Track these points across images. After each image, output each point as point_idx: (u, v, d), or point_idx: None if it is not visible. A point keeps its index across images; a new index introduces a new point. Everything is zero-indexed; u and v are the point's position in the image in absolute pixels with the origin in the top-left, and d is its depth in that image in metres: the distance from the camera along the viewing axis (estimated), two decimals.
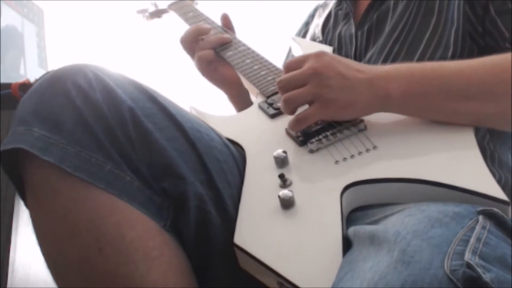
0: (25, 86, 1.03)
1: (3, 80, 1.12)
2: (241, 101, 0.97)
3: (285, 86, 0.67)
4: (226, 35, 0.94)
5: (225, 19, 1.00)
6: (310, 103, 0.65)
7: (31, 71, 1.45)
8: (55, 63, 1.59)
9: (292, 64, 0.68)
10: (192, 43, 0.94)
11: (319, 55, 0.66)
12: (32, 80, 1.07)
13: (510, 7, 0.73)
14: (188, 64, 0.97)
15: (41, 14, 1.59)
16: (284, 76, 0.67)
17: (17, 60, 1.43)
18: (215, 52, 0.93)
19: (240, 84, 0.93)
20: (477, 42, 0.76)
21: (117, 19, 1.78)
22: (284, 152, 0.65)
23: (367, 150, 0.64)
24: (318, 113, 0.65)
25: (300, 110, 0.67)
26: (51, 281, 0.58)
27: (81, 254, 0.54)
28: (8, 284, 0.91)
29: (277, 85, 0.68)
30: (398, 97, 0.64)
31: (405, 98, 0.64)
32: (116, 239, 0.54)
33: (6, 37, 1.37)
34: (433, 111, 0.64)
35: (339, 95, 0.63)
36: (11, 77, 1.31)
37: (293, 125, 0.67)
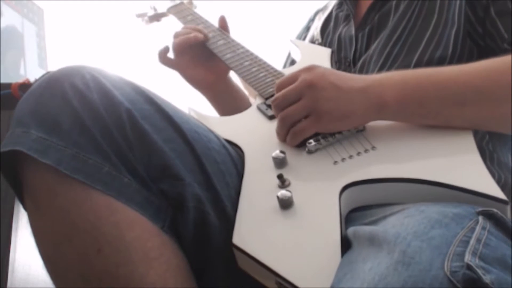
0: (25, 86, 1.03)
1: (3, 80, 1.12)
2: (218, 103, 0.98)
3: (280, 104, 0.66)
4: (193, 34, 0.93)
5: (222, 21, 1.00)
6: (306, 116, 0.65)
7: (31, 71, 1.45)
8: (55, 63, 1.59)
9: (284, 82, 0.67)
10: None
11: (310, 68, 0.66)
12: (32, 80, 1.07)
13: (511, 8, 0.72)
14: None
15: (41, 14, 1.59)
16: (277, 94, 0.67)
17: (17, 60, 1.43)
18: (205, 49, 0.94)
19: (214, 88, 0.95)
20: (477, 43, 0.76)
21: (116, 19, 1.78)
22: (283, 152, 0.65)
23: (366, 151, 0.64)
24: (314, 126, 0.65)
25: None
26: (51, 281, 0.58)
27: (80, 255, 0.54)
28: (8, 284, 0.91)
29: (271, 103, 0.68)
30: (394, 104, 0.63)
31: (401, 105, 0.63)
32: (115, 240, 0.54)
33: (6, 37, 1.37)
34: (429, 118, 0.64)
35: (334, 107, 0.63)
36: (11, 77, 1.31)
37: (290, 139, 0.67)
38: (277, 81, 0.70)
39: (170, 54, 0.94)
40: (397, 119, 0.66)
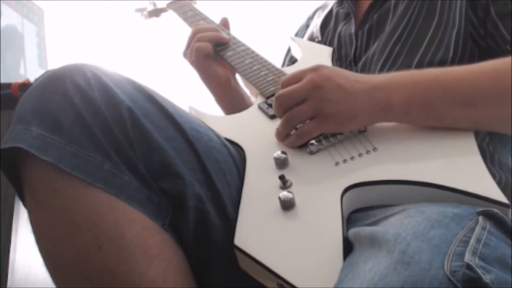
0: (25, 86, 1.03)
1: (3, 80, 1.12)
2: (228, 102, 0.96)
3: (285, 102, 0.66)
4: (225, 35, 0.94)
5: (224, 21, 1.00)
6: (311, 118, 0.65)
7: (31, 71, 1.45)
8: (55, 63, 1.59)
9: (289, 80, 0.67)
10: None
11: (316, 68, 0.66)
12: (32, 80, 1.08)
13: (511, 9, 0.72)
14: (187, 64, 0.96)
15: (41, 14, 1.60)
16: (282, 91, 0.66)
17: (17, 60, 1.43)
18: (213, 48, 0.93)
19: (229, 86, 0.93)
20: (479, 44, 0.76)
21: (116, 19, 1.79)
22: (284, 153, 0.65)
23: (367, 152, 0.64)
24: (319, 128, 0.65)
25: None
26: (51, 281, 0.58)
27: (80, 253, 0.54)
28: (8, 284, 0.92)
29: (275, 100, 0.67)
30: (400, 107, 0.63)
31: (407, 107, 0.63)
32: (115, 237, 0.54)
33: (6, 37, 1.37)
34: (435, 119, 0.64)
35: (340, 109, 0.63)
36: (11, 77, 1.31)
37: (294, 140, 0.66)
38: (283, 78, 0.69)
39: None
40: (402, 120, 0.65)
